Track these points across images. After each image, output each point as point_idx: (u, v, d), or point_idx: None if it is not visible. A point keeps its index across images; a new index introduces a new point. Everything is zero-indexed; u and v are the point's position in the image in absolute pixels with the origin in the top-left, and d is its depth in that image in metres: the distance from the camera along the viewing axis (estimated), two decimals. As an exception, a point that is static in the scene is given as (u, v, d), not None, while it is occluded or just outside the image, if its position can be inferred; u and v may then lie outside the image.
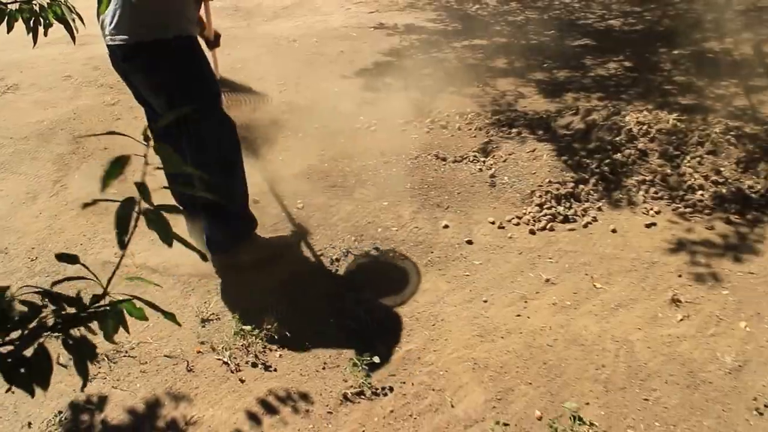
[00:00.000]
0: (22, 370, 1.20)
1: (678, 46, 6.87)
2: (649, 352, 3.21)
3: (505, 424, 2.86)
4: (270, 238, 4.07)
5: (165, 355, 3.29)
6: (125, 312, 1.30)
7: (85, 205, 1.24)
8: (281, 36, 7.50)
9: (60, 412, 2.98)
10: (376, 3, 8.91)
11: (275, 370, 3.19)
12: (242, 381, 3.13)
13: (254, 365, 3.21)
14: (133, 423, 2.93)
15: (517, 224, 4.18)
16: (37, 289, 1.31)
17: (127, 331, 1.37)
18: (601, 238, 4.05)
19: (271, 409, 2.98)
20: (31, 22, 2.08)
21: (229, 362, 3.22)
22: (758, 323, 3.37)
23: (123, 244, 1.16)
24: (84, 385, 1.42)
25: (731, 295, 3.56)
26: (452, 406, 2.96)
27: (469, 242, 4.03)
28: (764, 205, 4.24)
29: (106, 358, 3.25)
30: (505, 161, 4.74)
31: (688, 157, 4.58)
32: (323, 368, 3.18)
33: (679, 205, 4.28)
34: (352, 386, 3.05)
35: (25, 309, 1.24)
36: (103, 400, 3.04)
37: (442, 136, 5.12)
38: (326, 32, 7.70)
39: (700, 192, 4.35)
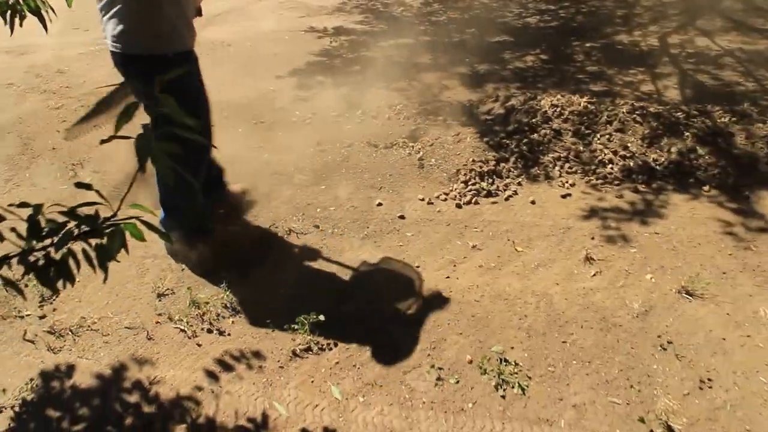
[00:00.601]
0: (51, 272, 1.49)
1: (590, 39, 7.35)
2: (566, 303, 3.59)
3: (440, 368, 3.20)
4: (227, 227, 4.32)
5: (126, 327, 3.53)
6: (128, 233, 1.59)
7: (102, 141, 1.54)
8: (216, 41, 7.75)
9: (31, 380, 3.21)
10: (306, 8, 9.22)
11: (229, 334, 3.47)
12: (199, 345, 3.40)
13: (209, 331, 3.48)
14: (101, 386, 3.17)
15: (445, 200, 4.53)
16: (61, 209, 1.58)
17: (127, 251, 1.65)
18: (522, 208, 4.43)
19: (227, 367, 3.26)
20: (8, 14, 2.31)
21: (186, 330, 3.48)
22: (662, 275, 3.78)
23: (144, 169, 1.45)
24: (105, 279, 1.69)
25: (639, 253, 3.97)
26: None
27: (402, 217, 4.37)
28: (668, 175, 4.68)
29: (70, 332, 3.48)
30: (431, 145, 5.11)
31: (598, 135, 5.01)
32: (273, 331, 3.46)
33: (592, 178, 4.70)
34: (300, 344, 3.35)
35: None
36: (71, 368, 3.28)
37: (373, 126, 5.46)
38: (260, 36, 7.98)
39: (610, 165, 4.77)
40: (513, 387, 3.09)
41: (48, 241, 1.51)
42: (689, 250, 3.99)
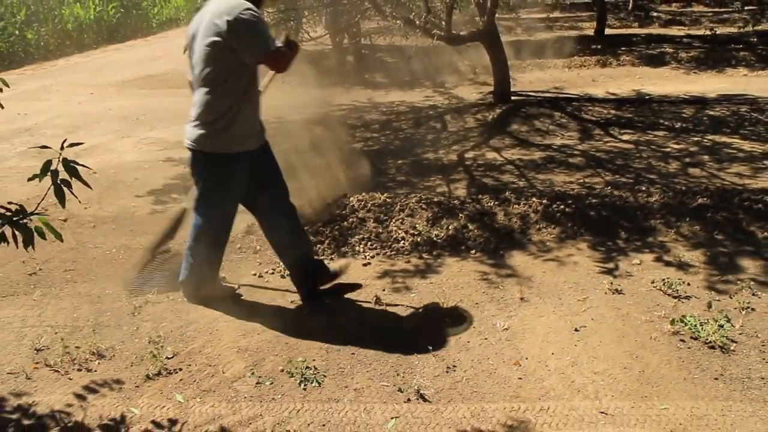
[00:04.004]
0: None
1: (403, 158, 8.91)
2: (356, 329, 4.82)
3: (259, 376, 4.33)
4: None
5: (7, 372, 4.43)
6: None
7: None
8: (82, 170, 8.81)
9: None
10: (165, 143, 10.37)
11: (96, 371, 4.44)
12: (70, 379, 4.34)
13: (79, 369, 4.45)
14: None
15: (272, 273, 5.76)
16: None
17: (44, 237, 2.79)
18: (332, 275, 5.70)
19: (93, 391, 4.23)
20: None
21: (59, 370, 4.44)
22: (431, 308, 5.08)
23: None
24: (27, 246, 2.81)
25: (417, 297, 5.28)
26: (223, 373, 4.39)
27: (237, 287, 5.56)
28: (445, 246, 6.09)
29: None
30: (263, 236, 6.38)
31: (393, 220, 6.43)
32: (132, 365, 4.49)
33: (387, 251, 6.04)
34: (153, 371, 4.41)
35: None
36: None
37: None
38: (122, 165, 9.12)
39: (402, 241, 6.15)
40: (312, 382, 4.25)
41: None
42: (454, 292, 5.32)
